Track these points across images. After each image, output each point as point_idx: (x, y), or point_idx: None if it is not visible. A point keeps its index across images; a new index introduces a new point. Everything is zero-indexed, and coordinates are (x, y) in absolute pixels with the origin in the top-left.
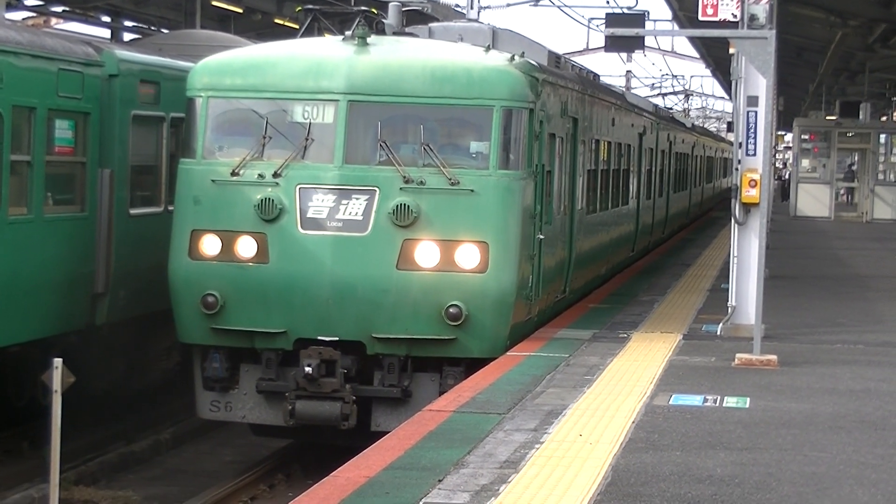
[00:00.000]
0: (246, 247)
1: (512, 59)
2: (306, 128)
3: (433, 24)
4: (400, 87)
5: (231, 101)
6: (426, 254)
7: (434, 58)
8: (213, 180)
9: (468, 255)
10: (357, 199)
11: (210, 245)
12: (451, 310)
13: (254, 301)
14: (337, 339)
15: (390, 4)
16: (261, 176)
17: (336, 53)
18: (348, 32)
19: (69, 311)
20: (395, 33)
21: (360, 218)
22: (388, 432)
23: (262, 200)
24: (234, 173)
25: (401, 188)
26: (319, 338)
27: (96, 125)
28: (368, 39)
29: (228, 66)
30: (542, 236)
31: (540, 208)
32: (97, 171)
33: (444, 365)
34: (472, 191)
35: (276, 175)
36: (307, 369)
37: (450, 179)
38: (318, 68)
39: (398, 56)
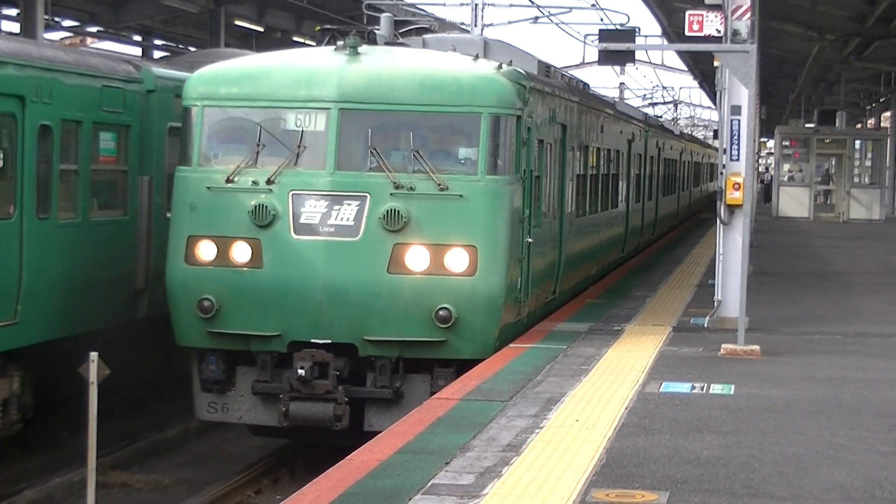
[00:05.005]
0: (241, 252)
1: (500, 67)
2: (299, 135)
3: (427, 36)
4: (390, 95)
5: (225, 109)
6: (416, 258)
7: (423, 66)
8: (208, 187)
9: (457, 259)
10: (349, 204)
11: (206, 251)
12: (441, 312)
13: (249, 305)
14: (330, 341)
15: (382, 16)
16: (255, 183)
17: (327, 63)
18: (340, 42)
19: (113, 306)
20: (387, 43)
21: (352, 223)
22: (380, 432)
23: (256, 207)
24: (228, 180)
25: (391, 194)
26: (313, 340)
27: (136, 136)
28: (359, 49)
29: (223, 76)
30: (530, 239)
31: (528, 212)
32: (137, 178)
33: (434, 366)
34: (460, 196)
35: (269, 182)
36: (300, 371)
37: (439, 185)
38: (309, 77)
39: (388, 65)
